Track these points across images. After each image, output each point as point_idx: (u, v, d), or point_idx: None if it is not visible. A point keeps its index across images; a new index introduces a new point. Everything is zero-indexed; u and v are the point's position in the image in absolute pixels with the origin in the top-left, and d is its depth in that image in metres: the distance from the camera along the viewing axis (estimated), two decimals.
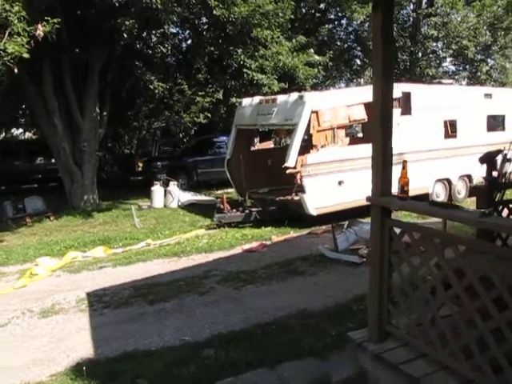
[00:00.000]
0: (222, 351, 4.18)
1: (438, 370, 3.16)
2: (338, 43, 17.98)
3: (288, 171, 8.53)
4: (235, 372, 3.77)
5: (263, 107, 9.61)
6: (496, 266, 2.78)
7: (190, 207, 11.77)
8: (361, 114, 9.04)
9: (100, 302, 5.64)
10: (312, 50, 12.25)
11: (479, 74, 15.15)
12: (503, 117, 11.41)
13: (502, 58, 15.32)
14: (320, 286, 5.94)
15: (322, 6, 18.11)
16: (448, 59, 16.54)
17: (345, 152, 9.25)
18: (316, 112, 8.61)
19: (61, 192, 12.46)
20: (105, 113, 11.32)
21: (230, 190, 14.56)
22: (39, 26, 7.02)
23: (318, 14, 18.63)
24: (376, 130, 3.58)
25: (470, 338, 2.89)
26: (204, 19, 12.39)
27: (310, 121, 8.58)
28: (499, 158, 4.51)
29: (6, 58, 6.52)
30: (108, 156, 17.05)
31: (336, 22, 18.68)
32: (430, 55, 16.23)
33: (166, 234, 9.03)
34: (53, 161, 14.74)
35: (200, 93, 13.06)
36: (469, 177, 10.69)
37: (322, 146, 8.83)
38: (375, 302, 3.62)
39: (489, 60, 15.47)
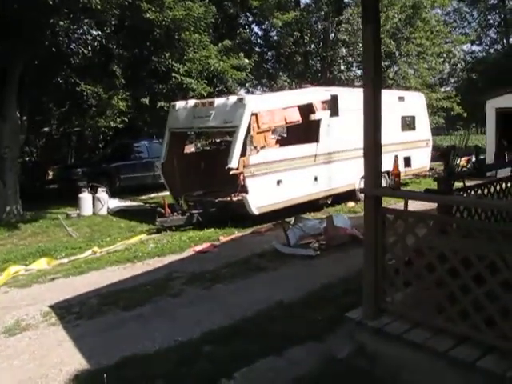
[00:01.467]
0: (222, 346, 4.30)
1: (435, 334, 3.60)
2: (252, 47, 18.52)
3: (231, 172, 8.72)
4: (246, 362, 3.93)
5: (199, 110, 9.69)
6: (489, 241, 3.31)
7: (121, 213, 11.42)
8: (296, 116, 9.54)
9: (70, 313, 5.38)
10: (242, 54, 12.56)
11: (386, 78, 16.64)
12: (413, 117, 12.69)
13: (405, 65, 17.01)
14: (286, 279, 6.25)
15: (232, 11, 18.54)
16: (355, 64, 17.95)
17: (282, 153, 9.68)
18: (255, 114, 8.92)
19: None
20: (24, 117, 10.57)
21: (153, 195, 14.44)
22: None
23: (228, 19, 19.07)
24: (368, 129, 3.99)
25: (466, 301, 3.37)
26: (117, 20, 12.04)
27: (249, 123, 8.86)
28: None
29: None
30: None
31: (246, 27, 19.23)
32: (340, 60, 17.47)
33: (108, 242, 8.73)
34: None
35: (119, 96, 12.73)
36: (388, 173, 11.66)
37: (262, 147, 9.15)
38: (371, 283, 4.00)
39: (394, 66, 17.06)
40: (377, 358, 3.87)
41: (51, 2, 7.69)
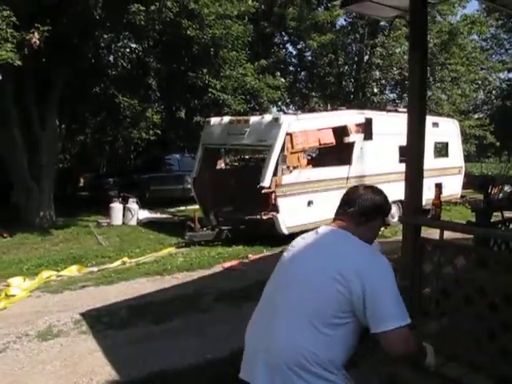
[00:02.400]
0: None
1: (472, 370, 3.50)
2: (286, 67, 18.72)
3: (263, 191, 8.75)
4: None
5: (234, 127, 9.79)
6: None
7: (150, 225, 11.57)
8: (330, 138, 9.54)
9: (100, 322, 5.46)
10: (278, 73, 12.72)
11: None
12: (447, 144, 12.57)
13: (439, 91, 16.91)
14: None
15: (268, 30, 18.78)
16: (388, 87, 17.94)
17: (314, 174, 9.68)
18: (290, 134, 8.96)
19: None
20: (63, 125, 10.89)
21: (182, 208, 14.57)
22: (36, 33, 6.70)
23: (263, 38, 19.33)
24: (411, 156, 3.96)
25: (508, 340, 3.28)
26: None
27: (284, 142, 8.91)
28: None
29: None
30: None
31: (281, 46, 19.47)
32: (373, 83, 17.49)
33: (138, 253, 8.84)
34: None
35: (154, 109, 13.02)
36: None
37: (295, 168, 9.17)
38: None
39: (428, 92, 16.91)
40: None
41: (97, 17, 7.98)
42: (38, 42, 6.92)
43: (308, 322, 1.81)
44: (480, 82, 19.33)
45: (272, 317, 1.93)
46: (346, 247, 1.92)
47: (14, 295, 6.41)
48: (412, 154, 3.91)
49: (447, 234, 4.39)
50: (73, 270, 7.59)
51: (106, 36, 8.91)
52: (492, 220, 4.95)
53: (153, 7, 9.10)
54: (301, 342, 1.79)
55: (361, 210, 2.01)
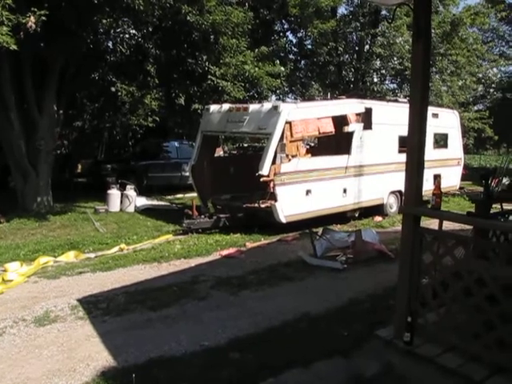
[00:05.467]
0: (248, 354, 4.28)
1: (470, 360, 3.51)
2: (286, 55, 18.56)
3: (262, 179, 8.72)
4: (273, 373, 3.91)
5: (233, 115, 9.72)
6: None
7: (148, 212, 11.55)
8: (329, 127, 9.49)
9: (97, 308, 5.44)
10: (278, 61, 12.61)
11: None
12: (446, 135, 12.53)
13: (439, 82, 16.80)
14: (312, 291, 6.21)
15: (268, 17, 18.59)
16: (388, 77, 17.85)
17: (313, 163, 9.64)
18: (290, 123, 8.91)
19: None
20: (61, 111, 10.79)
21: (179, 196, 14.55)
22: (32, 17, 6.60)
23: (263, 25, 19.13)
24: (412, 146, 3.91)
25: (506, 331, 3.28)
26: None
27: (283, 131, 8.85)
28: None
29: None
30: None
31: (281, 34, 19.29)
32: (373, 72, 17.40)
33: (135, 240, 8.81)
34: None
35: (152, 96, 12.88)
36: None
37: (293, 156, 9.13)
38: (404, 302, 3.94)
39: None
40: (406, 379, 3.80)
41: (96, 1, 7.85)
42: (34, 25, 6.81)
43: None
44: (480, 76, 19.20)
45: None
46: None
47: (10, 280, 6.38)
48: (413, 146, 3.86)
49: (445, 226, 4.41)
50: (70, 256, 7.57)
51: (104, 21, 8.80)
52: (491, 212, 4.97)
53: None
54: None
55: None
